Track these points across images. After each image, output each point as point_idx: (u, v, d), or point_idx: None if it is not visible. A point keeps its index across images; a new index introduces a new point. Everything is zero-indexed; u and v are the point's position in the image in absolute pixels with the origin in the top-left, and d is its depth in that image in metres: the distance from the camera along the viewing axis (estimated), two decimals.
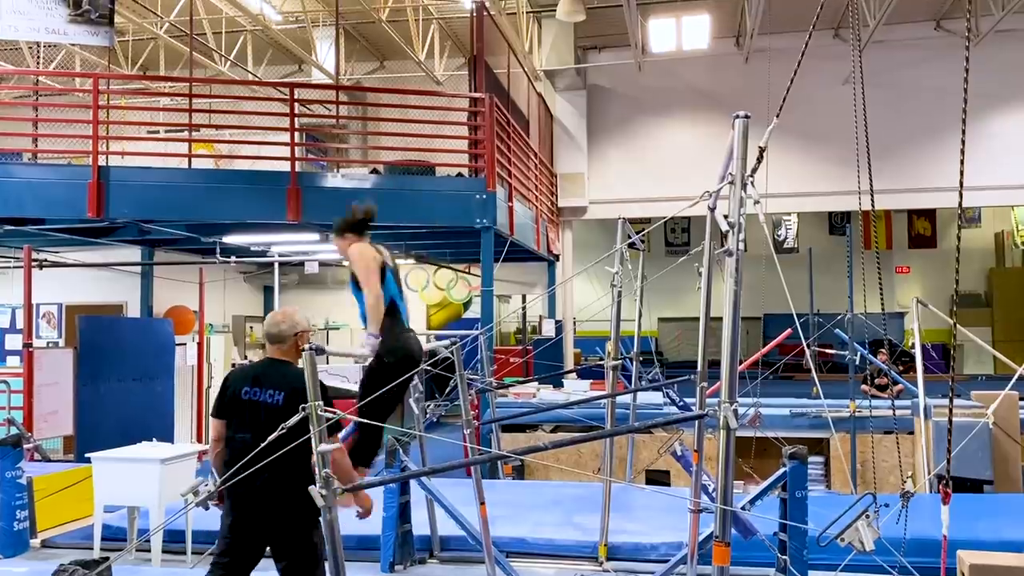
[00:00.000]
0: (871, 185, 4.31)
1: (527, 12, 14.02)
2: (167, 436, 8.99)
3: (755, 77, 13.95)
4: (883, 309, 4.79)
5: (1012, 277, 21.04)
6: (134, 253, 12.39)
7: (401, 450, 4.76)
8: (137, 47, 14.71)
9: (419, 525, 5.25)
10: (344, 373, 11.20)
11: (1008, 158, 13.95)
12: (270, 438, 2.97)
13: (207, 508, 3.30)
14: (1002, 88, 13.83)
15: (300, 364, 3.71)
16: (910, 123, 13.99)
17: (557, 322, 14.25)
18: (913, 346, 7.87)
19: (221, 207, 9.28)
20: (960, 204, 3.08)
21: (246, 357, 15.13)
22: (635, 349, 6.17)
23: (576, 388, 9.92)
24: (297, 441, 2.98)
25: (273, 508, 3.54)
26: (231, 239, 10.76)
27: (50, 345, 13.35)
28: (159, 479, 5.20)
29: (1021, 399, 7.65)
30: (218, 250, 11.04)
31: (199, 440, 10.99)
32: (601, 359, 11.75)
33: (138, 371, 9.68)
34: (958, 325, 3.71)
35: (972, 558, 4.10)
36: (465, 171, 10.94)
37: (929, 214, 21.24)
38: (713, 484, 3.41)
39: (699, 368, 3.56)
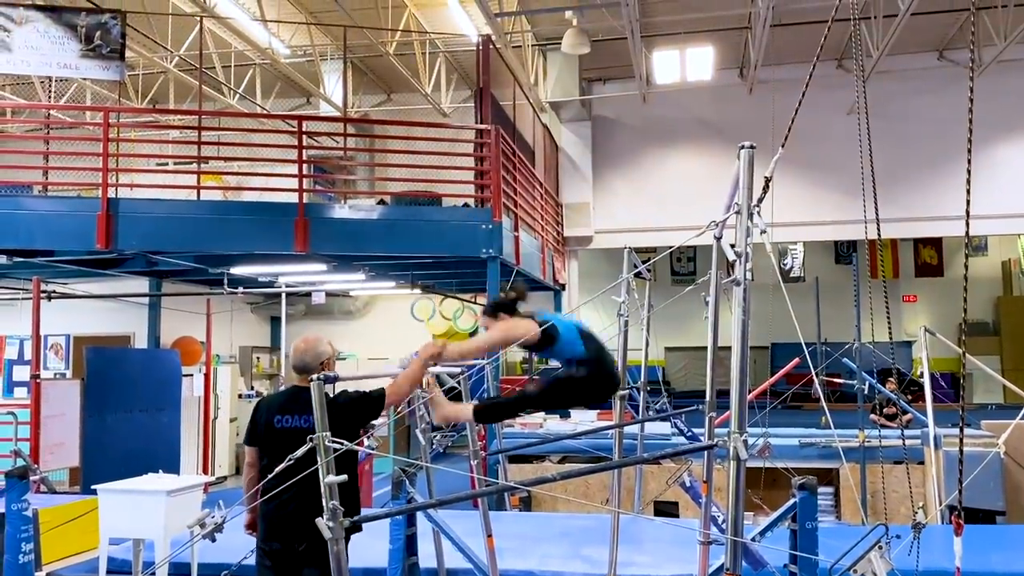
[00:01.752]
0: (876, 214, 4.33)
1: (532, 45, 14.17)
2: (173, 468, 8.97)
3: (759, 107, 14.04)
4: (891, 338, 4.79)
5: (1020, 305, 20.93)
6: (142, 284, 12.45)
7: (407, 481, 4.73)
8: (147, 81, 14.90)
9: (426, 557, 5.20)
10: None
11: (1014, 186, 13.96)
12: (300, 453, 3.00)
13: (214, 540, 3.29)
14: (1007, 117, 13.87)
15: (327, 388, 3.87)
16: (915, 152, 14.03)
17: None
18: (922, 375, 7.84)
19: (229, 238, 9.34)
20: (967, 233, 3.09)
21: (252, 388, 15.13)
22: (642, 379, 6.16)
23: (583, 418, 9.88)
24: (311, 467, 3.00)
25: (306, 533, 3.58)
26: (238, 270, 10.81)
27: (57, 376, 13.38)
28: (165, 511, 5.18)
29: None
30: (226, 281, 11.09)
31: (205, 472, 10.96)
32: None
33: (145, 402, 9.68)
34: (967, 354, 3.70)
35: None
36: (471, 201, 10.99)
37: (935, 243, 21.20)
38: (723, 515, 3.38)
39: (707, 398, 3.55)
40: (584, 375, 4.04)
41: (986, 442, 7.24)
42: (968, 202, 2.96)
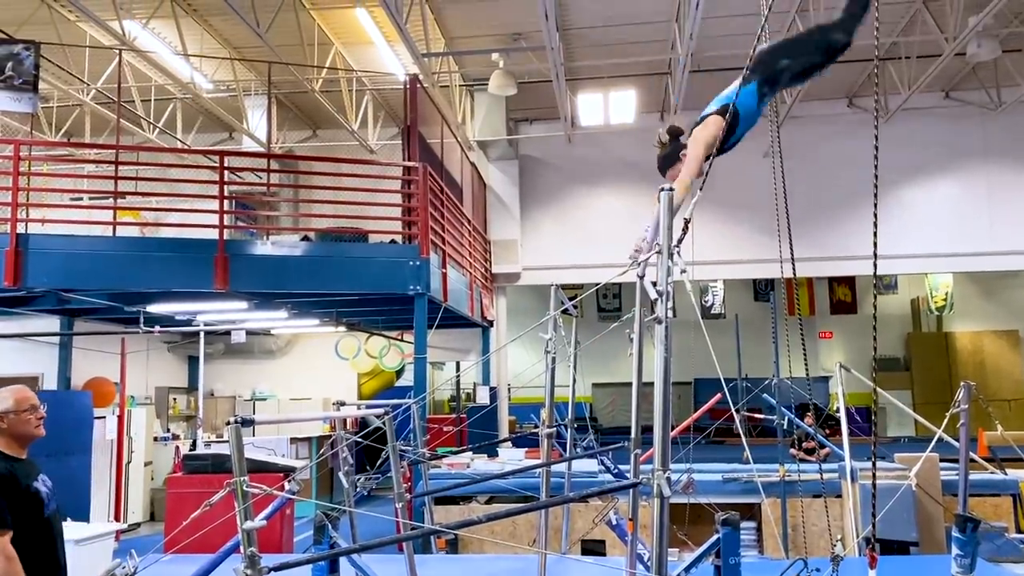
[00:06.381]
0: (792, 253, 4.47)
1: (460, 85, 14.30)
2: (83, 515, 8.55)
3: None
4: (808, 374, 4.91)
5: (929, 341, 21.85)
6: (52, 323, 11.95)
7: (330, 525, 4.61)
8: (62, 113, 14.47)
9: None
10: (270, 446, 10.90)
11: (920, 228, 14.63)
12: None
13: None
14: (912, 161, 14.57)
15: (9, 452, 3.48)
16: (828, 194, 14.58)
17: (492, 389, 14.19)
18: (838, 410, 8.06)
19: (146, 275, 9.06)
20: (875, 272, 3.21)
21: (169, 430, 14.61)
22: (570, 415, 6.17)
23: (511, 457, 9.83)
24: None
25: None
26: (155, 308, 10.48)
27: None
28: (72, 561, 4.92)
29: (942, 460, 7.87)
30: (142, 319, 10.73)
31: (118, 518, 10.49)
32: (536, 426, 11.71)
33: (53, 447, 9.20)
34: (879, 388, 3.82)
35: None
36: (399, 238, 10.93)
37: (849, 281, 22.00)
38: (648, 552, 3.39)
39: (633, 435, 3.57)
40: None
41: (899, 475, 7.45)
42: (876, 243, 3.08)
